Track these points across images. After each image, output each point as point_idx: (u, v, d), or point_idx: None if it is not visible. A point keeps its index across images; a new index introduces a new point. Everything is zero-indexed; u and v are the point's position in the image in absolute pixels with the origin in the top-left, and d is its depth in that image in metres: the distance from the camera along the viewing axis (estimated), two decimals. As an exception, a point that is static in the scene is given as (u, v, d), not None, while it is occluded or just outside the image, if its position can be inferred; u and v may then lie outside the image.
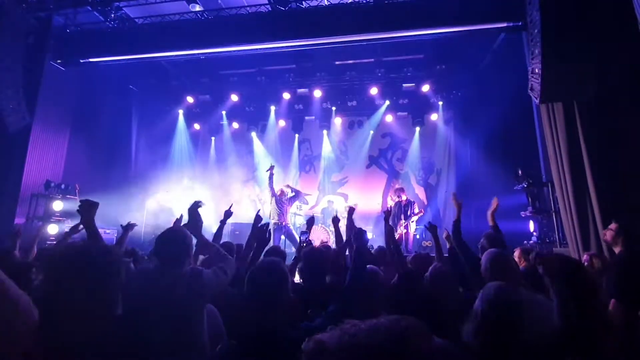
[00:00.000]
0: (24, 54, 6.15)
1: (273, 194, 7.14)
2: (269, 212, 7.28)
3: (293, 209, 7.88)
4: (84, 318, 1.13)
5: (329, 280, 2.56)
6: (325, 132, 10.11)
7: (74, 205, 6.77)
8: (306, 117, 10.11)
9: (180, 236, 1.93)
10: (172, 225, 3.02)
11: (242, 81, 9.10)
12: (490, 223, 3.33)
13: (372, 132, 9.98)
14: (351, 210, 3.26)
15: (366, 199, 9.77)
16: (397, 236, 6.25)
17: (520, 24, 5.47)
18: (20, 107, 6.01)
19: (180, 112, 10.23)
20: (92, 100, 8.00)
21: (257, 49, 6.64)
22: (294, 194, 7.37)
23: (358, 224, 3.05)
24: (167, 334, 1.61)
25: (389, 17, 5.84)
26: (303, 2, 6.24)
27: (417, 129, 9.61)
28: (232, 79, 9.11)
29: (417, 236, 7.57)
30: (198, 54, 6.82)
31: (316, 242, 5.66)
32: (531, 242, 5.73)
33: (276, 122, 10.05)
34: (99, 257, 1.23)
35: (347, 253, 2.90)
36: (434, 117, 9.51)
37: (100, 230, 2.27)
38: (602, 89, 4.25)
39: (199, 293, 1.78)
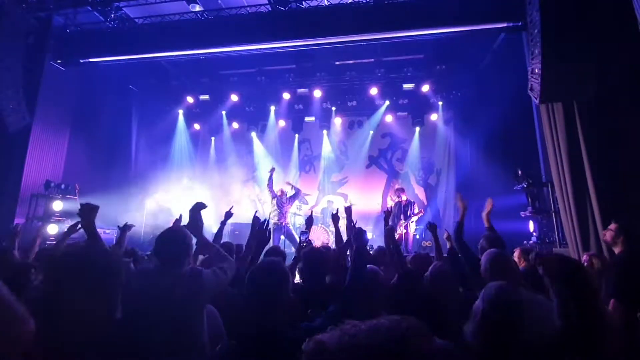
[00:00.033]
0: (24, 54, 6.15)
1: (273, 195, 7.15)
2: (268, 212, 7.29)
3: (293, 208, 7.88)
4: (84, 318, 1.13)
5: (329, 280, 2.55)
6: (325, 132, 10.11)
7: (73, 205, 6.78)
8: (306, 117, 10.10)
9: (180, 236, 1.93)
10: (171, 225, 3.02)
11: (242, 81, 9.10)
12: (486, 225, 3.32)
13: (372, 132, 9.97)
14: (349, 210, 3.25)
15: (366, 199, 9.77)
16: (396, 236, 6.24)
17: (520, 24, 5.47)
18: (20, 107, 6.01)
19: (180, 112, 10.24)
20: (92, 100, 8.00)
21: (257, 49, 6.64)
22: (294, 191, 7.37)
23: (358, 224, 3.04)
24: (167, 334, 1.61)
25: (389, 17, 5.85)
26: (303, 2, 6.24)
27: (417, 129, 9.61)
28: (232, 79, 9.12)
29: (417, 236, 7.58)
30: (198, 54, 6.82)
31: (316, 243, 5.67)
32: (531, 242, 5.73)
33: (276, 122, 10.05)
34: (99, 258, 1.23)
35: (347, 253, 2.90)
36: (433, 117, 9.51)
37: (100, 231, 2.27)
38: (601, 89, 4.26)
39: (199, 293, 1.78)
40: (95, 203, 2.16)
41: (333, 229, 3.58)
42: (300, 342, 0.67)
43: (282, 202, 7.11)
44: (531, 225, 6.07)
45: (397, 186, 8.37)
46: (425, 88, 8.78)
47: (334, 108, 9.67)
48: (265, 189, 7.53)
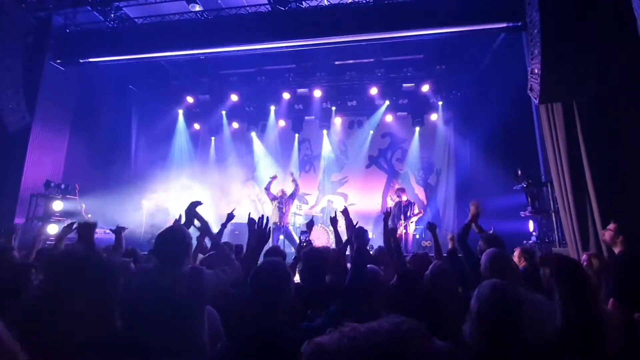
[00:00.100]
0: (23, 54, 6.15)
1: (273, 198, 7.17)
2: (268, 212, 7.29)
3: (293, 208, 7.88)
4: (84, 318, 1.13)
5: (329, 280, 2.55)
6: (325, 132, 10.11)
7: (74, 205, 6.78)
8: (306, 117, 10.10)
9: (180, 235, 1.93)
10: (171, 224, 3.02)
11: (242, 81, 9.09)
12: (476, 230, 3.31)
13: (371, 132, 9.97)
14: (346, 211, 3.26)
15: (366, 199, 9.78)
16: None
17: (520, 24, 5.47)
18: (19, 107, 6.01)
19: (180, 112, 10.22)
20: (92, 100, 7.99)
21: (257, 49, 6.64)
22: (293, 185, 7.31)
23: (358, 224, 3.04)
24: (166, 334, 1.61)
25: (389, 17, 5.84)
26: (303, 2, 6.24)
27: (417, 129, 9.61)
28: (232, 79, 9.11)
29: (417, 236, 7.58)
30: (198, 54, 6.82)
31: (316, 243, 5.66)
32: (530, 242, 5.74)
33: (276, 122, 10.04)
34: (99, 260, 1.23)
35: (347, 253, 2.90)
36: (433, 117, 9.51)
37: (100, 230, 2.28)
38: (601, 89, 4.25)
39: (199, 293, 1.78)
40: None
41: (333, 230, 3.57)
42: (301, 342, 0.67)
43: (282, 202, 7.12)
44: (531, 225, 6.07)
45: (397, 186, 8.38)
46: (425, 88, 8.77)
47: (334, 108, 9.66)
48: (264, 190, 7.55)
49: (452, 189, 9.17)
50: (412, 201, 7.35)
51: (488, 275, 2.04)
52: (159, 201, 8.79)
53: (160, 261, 1.86)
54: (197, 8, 6.79)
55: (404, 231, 6.79)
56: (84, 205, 6.83)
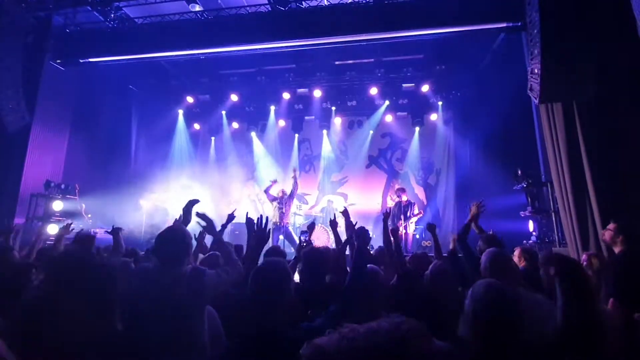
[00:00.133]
0: (23, 54, 6.14)
1: (273, 199, 7.17)
2: (268, 212, 7.29)
3: (293, 208, 7.88)
4: (84, 318, 1.13)
5: (329, 280, 2.55)
6: (325, 132, 10.10)
7: (73, 205, 6.78)
8: (306, 117, 10.09)
9: (180, 235, 1.93)
10: (171, 224, 3.02)
11: (242, 81, 9.09)
12: (476, 231, 3.32)
13: (371, 132, 9.97)
14: (346, 211, 3.26)
15: (366, 198, 9.78)
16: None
17: (519, 24, 5.47)
18: (19, 106, 6.01)
19: (180, 112, 10.22)
20: (92, 100, 7.98)
21: (257, 49, 6.63)
22: (292, 182, 7.29)
23: (358, 224, 3.04)
24: (166, 334, 1.61)
25: (389, 17, 5.84)
26: (303, 2, 6.24)
27: (417, 129, 9.60)
28: (232, 79, 9.10)
29: (417, 236, 7.58)
30: (198, 54, 6.82)
31: (316, 243, 5.65)
32: (530, 241, 5.74)
33: (276, 122, 10.03)
34: (99, 260, 1.23)
35: (347, 253, 2.90)
36: (433, 117, 9.51)
37: (100, 230, 2.28)
38: (601, 89, 4.25)
39: (200, 293, 1.77)
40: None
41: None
42: (301, 342, 0.67)
43: (283, 202, 7.12)
44: (531, 225, 6.08)
45: (397, 186, 8.37)
46: (425, 88, 8.77)
47: (333, 108, 9.66)
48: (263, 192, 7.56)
49: (452, 189, 9.17)
50: (412, 201, 7.35)
51: (488, 275, 2.04)
52: (158, 201, 8.79)
53: (160, 261, 1.85)
54: (197, 8, 6.78)
55: (404, 231, 6.80)
56: (84, 205, 6.83)
